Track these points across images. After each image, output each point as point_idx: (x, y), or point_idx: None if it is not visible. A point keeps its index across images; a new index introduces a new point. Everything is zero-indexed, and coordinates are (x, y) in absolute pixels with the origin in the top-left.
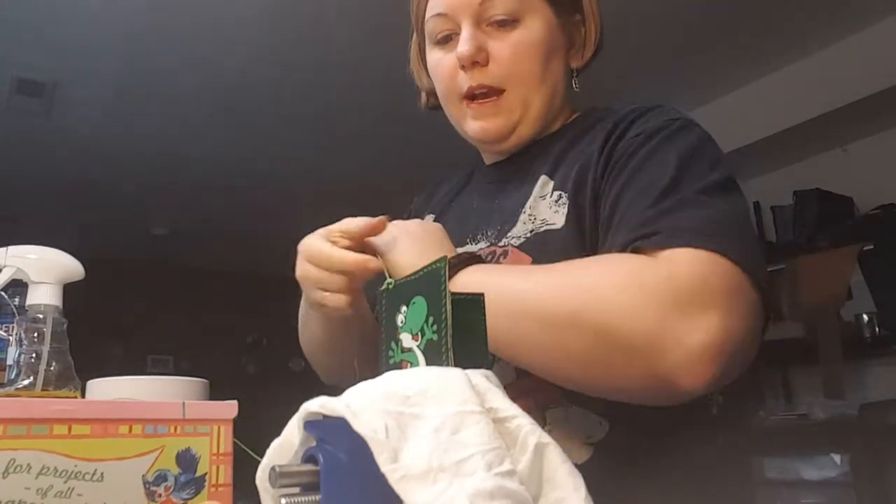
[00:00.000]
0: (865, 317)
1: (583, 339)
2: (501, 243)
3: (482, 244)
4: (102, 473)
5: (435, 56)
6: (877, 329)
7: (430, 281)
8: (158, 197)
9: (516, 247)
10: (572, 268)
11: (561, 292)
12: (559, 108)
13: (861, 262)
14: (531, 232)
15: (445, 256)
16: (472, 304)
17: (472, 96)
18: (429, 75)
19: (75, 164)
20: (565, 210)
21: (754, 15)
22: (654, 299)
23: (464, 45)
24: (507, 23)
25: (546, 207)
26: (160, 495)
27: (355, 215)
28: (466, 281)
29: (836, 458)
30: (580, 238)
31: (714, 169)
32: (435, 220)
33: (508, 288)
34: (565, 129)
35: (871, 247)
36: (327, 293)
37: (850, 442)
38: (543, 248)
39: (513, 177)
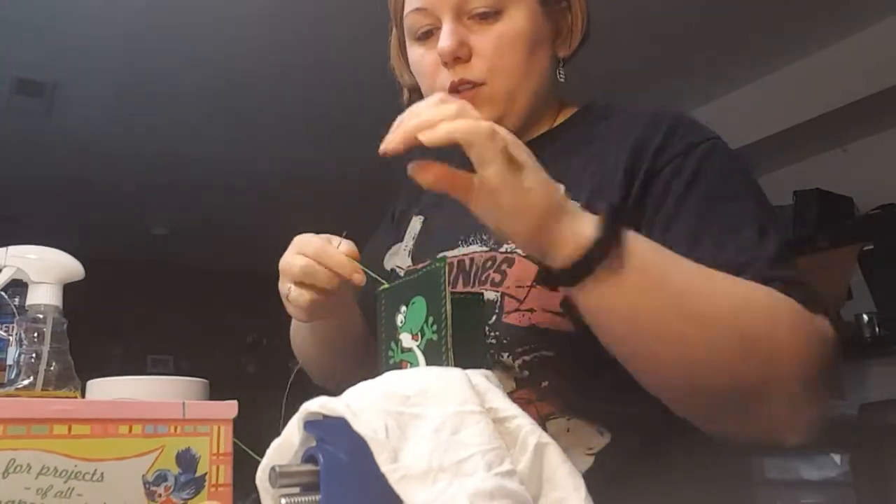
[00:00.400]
0: (865, 317)
1: (743, 367)
2: (503, 249)
3: (475, 247)
4: (102, 473)
5: (416, 52)
6: (877, 329)
7: (429, 281)
8: (158, 197)
9: (525, 256)
10: (740, 286)
11: (737, 311)
12: (546, 99)
13: (861, 262)
14: None
15: (444, 257)
16: (472, 304)
17: (455, 91)
18: (410, 71)
19: (75, 164)
20: None
21: (754, 14)
22: (819, 357)
23: (444, 40)
24: (489, 15)
25: None
26: (160, 495)
27: (355, 215)
28: (635, 248)
29: (836, 458)
30: None
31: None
32: (424, 222)
33: (676, 278)
34: (563, 128)
35: (871, 247)
36: (294, 287)
37: (850, 442)
38: None
39: None
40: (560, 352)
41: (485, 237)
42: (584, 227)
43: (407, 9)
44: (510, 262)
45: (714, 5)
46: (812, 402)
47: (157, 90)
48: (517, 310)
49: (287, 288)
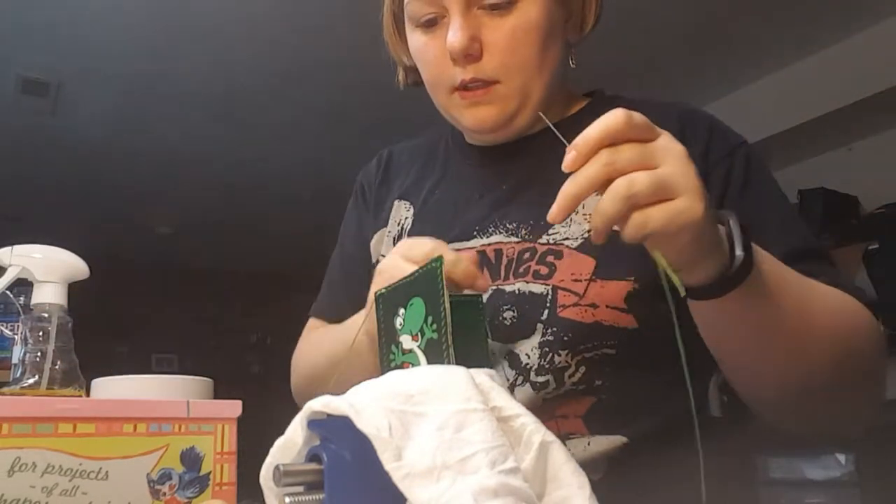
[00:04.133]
0: None
1: (841, 364)
2: (542, 241)
3: (499, 237)
4: (107, 472)
5: (418, 40)
6: (881, 328)
7: (427, 281)
8: (163, 196)
9: (574, 248)
10: (829, 291)
11: (836, 314)
12: (558, 90)
13: (866, 261)
14: (589, 232)
15: (441, 256)
16: (471, 306)
17: (464, 88)
18: (409, 53)
19: (80, 163)
20: None
21: (759, 13)
22: (881, 358)
23: (454, 36)
24: (502, 6)
25: None
26: (164, 494)
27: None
28: (764, 260)
29: (841, 457)
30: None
31: None
32: (417, 212)
33: (794, 290)
34: (576, 118)
35: (876, 246)
36: None
37: (855, 441)
38: (611, 251)
39: (521, 164)
40: (620, 349)
41: (509, 226)
42: (722, 243)
43: None
44: (558, 255)
45: (716, 4)
46: (876, 399)
47: (162, 89)
48: (577, 304)
49: None
